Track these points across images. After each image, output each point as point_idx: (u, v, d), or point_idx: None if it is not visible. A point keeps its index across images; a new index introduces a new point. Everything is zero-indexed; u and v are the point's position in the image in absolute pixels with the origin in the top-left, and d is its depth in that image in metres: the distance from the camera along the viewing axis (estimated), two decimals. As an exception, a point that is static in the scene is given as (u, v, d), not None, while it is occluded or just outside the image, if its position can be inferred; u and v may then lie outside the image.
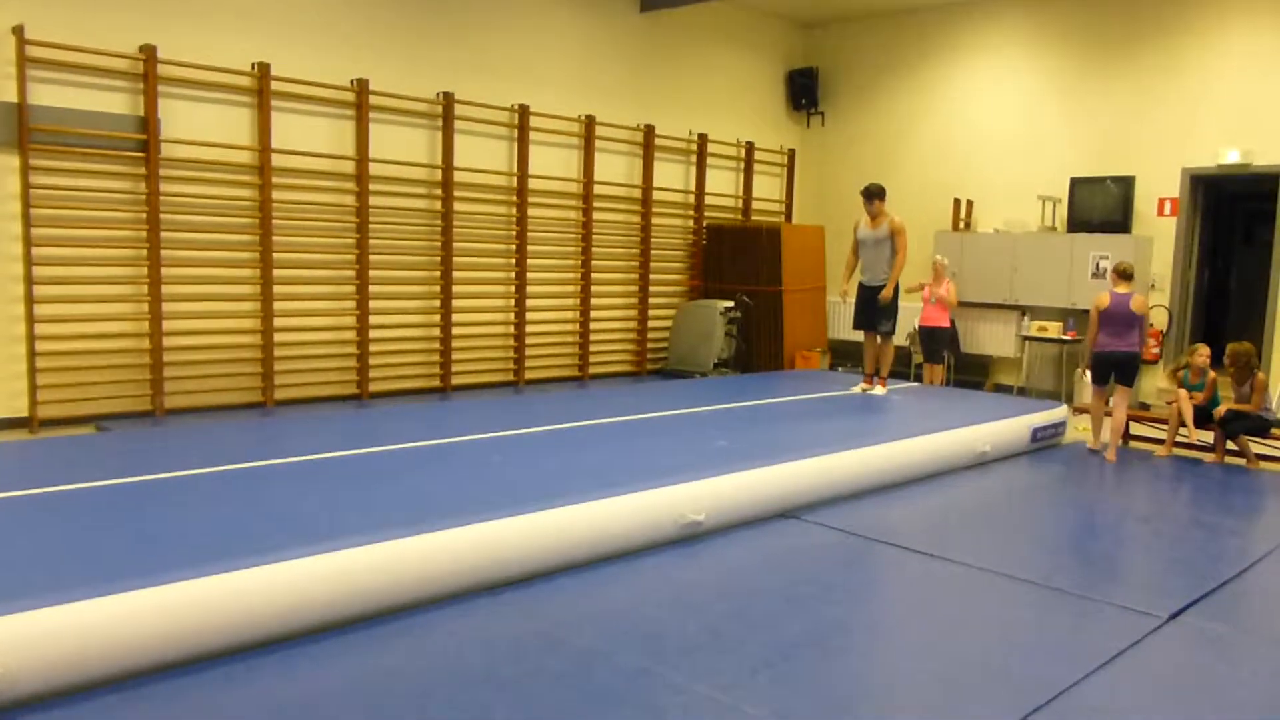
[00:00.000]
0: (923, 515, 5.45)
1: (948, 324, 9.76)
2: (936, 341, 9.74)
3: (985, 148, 11.09)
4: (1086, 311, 9.81)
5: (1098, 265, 9.78)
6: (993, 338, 10.77)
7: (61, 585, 3.03)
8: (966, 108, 11.25)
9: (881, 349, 8.03)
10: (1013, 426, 7.09)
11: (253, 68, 7.81)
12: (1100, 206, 10.02)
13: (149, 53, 7.23)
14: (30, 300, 6.90)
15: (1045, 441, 7.41)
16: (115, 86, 7.22)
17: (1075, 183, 10.20)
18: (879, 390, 7.97)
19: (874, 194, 7.76)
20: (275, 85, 7.87)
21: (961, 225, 11.06)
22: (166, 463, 4.74)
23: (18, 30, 6.69)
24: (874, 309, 7.88)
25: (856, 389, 8.05)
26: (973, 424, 6.80)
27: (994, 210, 10.95)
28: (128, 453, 5.23)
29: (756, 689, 3.11)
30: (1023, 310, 10.50)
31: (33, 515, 3.92)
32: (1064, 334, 10.02)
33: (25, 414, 7.00)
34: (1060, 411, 7.64)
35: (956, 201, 11.08)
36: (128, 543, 3.54)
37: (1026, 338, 10.40)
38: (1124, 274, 7.24)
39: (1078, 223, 10.15)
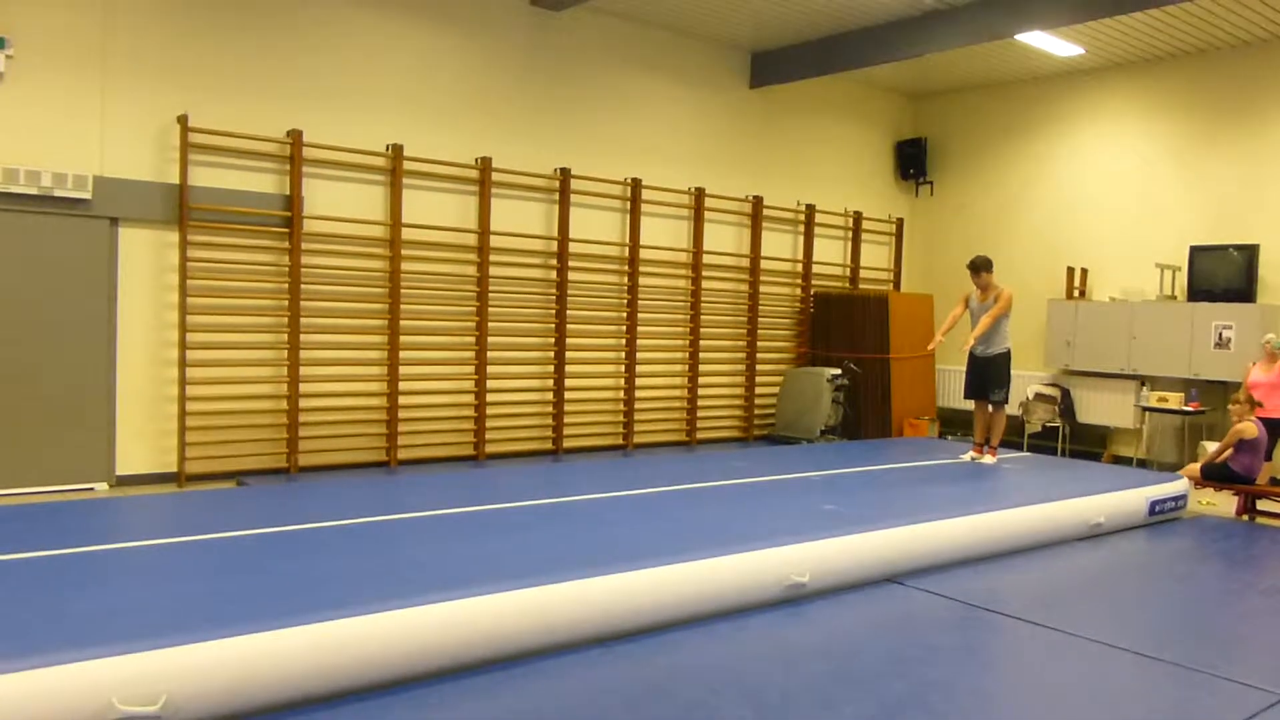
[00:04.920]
0: (1031, 584, 5.41)
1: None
2: (1271, 435, 7.89)
3: (1099, 216, 10.97)
4: (1210, 382, 9.63)
5: (1220, 335, 9.53)
6: (1110, 408, 10.53)
7: (212, 623, 3.34)
8: (1079, 175, 11.18)
9: (993, 418, 7.98)
10: (1128, 498, 6.94)
11: (387, 149, 8.39)
12: (1222, 275, 9.78)
13: (295, 137, 7.87)
14: (183, 364, 7.50)
15: (1165, 515, 7.22)
16: (265, 168, 7.87)
17: (1195, 251, 9.99)
18: (989, 459, 7.91)
19: (979, 267, 7.80)
20: (407, 165, 8.44)
21: (1075, 294, 10.92)
22: (303, 515, 5.11)
23: (182, 119, 7.39)
24: (986, 378, 7.87)
25: (965, 457, 8.02)
26: (1086, 495, 6.69)
27: (1109, 278, 10.79)
28: (267, 506, 5.63)
29: (857, 745, 3.20)
30: (1142, 380, 10.26)
31: (184, 560, 4.30)
32: (1185, 405, 9.74)
33: (174, 469, 7.56)
34: (1180, 484, 7.43)
35: (1070, 270, 10.96)
36: (269, 586, 3.85)
37: (1146, 408, 10.14)
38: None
39: (1199, 291, 9.92)
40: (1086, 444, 10.77)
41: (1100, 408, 10.63)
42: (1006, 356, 7.86)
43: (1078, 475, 7.63)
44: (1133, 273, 10.52)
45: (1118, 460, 10.44)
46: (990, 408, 7.97)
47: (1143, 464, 10.10)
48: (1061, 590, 5.36)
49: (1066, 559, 5.97)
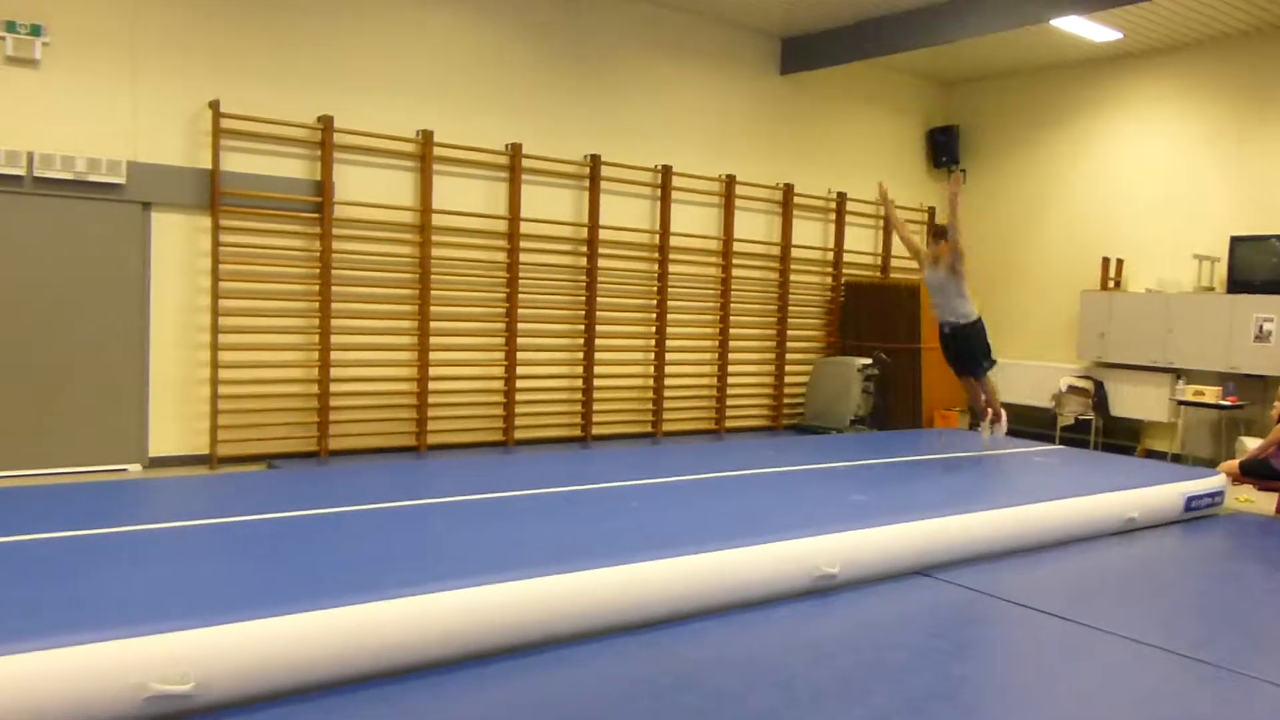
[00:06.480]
0: (1062, 579, 5.33)
1: None
2: None
3: (1135, 205, 10.80)
4: (1248, 376, 9.46)
5: (1260, 328, 9.36)
6: (1144, 401, 10.38)
7: (240, 605, 3.35)
8: (1114, 164, 11.00)
9: (983, 386, 7.66)
10: (1164, 494, 6.82)
11: (417, 135, 8.40)
12: (1264, 266, 9.59)
13: (326, 123, 7.89)
14: (215, 348, 7.56)
15: (1201, 511, 7.10)
16: (296, 154, 7.90)
17: (1235, 241, 9.80)
18: (1001, 427, 7.69)
19: (940, 234, 7.39)
20: (437, 150, 8.44)
21: (1110, 284, 10.76)
22: (332, 499, 5.13)
23: (214, 105, 7.43)
24: (967, 351, 7.52)
25: (984, 436, 7.84)
26: (1120, 489, 6.59)
27: (1146, 269, 10.62)
28: (297, 489, 5.66)
29: (885, 739, 3.17)
30: (1178, 373, 10.11)
31: (215, 541, 4.33)
32: (1223, 399, 9.57)
33: (206, 451, 7.63)
34: (1218, 480, 7.30)
35: (1105, 260, 10.79)
36: (298, 569, 3.86)
37: (1182, 402, 9.98)
38: None
39: (1238, 283, 9.73)
40: (1119, 438, 10.63)
41: (1134, 401, 10.48)
42: (980, 324, 7.46)
43: (1111, 469, 7.52)
44: (1170, 264, 10.34)
45: (1151, 455, 10.29)
46: (977, 378, 7.65)
47: (1177, 459, 9.95)
48: (1094, 586, 5.28)
49: (1099, 554, 5.88)
